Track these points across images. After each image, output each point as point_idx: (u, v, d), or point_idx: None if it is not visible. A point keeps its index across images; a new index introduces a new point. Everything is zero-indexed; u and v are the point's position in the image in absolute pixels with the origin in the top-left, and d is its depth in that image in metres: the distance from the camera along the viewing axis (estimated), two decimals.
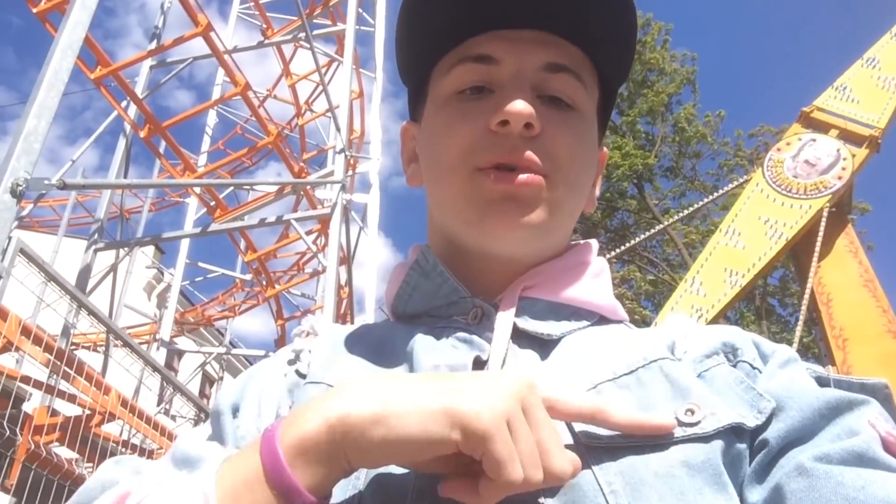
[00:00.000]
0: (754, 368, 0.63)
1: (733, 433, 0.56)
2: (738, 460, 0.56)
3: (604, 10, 0.68)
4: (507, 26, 0.69)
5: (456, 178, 0.68)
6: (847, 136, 6.09)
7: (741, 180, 6.72)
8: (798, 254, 6.35)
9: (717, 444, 0.55)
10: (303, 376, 0.69)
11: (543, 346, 0.65)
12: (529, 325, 0.66)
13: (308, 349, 0.73)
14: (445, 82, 0.71)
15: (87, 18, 4.32)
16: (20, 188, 3.53)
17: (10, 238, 3.44)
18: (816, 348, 7.24)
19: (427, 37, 0.71)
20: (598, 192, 0.80)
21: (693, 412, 0.56)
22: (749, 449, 0.57)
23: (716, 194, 6.77)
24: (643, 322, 16.99)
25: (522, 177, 0.65)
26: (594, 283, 0.73)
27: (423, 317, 0.71)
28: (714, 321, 6.07)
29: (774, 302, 18.00)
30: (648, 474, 0.53)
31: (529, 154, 0.65)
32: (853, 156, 5.96)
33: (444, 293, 0.70)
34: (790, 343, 16.57)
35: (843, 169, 5.96)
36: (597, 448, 0.54)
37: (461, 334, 0.65)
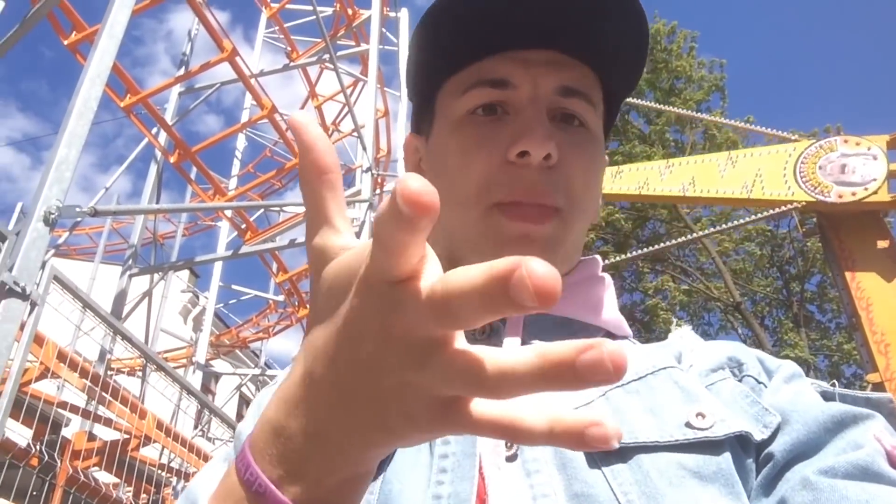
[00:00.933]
0: (759, 383, 0.63)
1: (740, 445, 0.56)
2: (745, 473, 0.56)
3: (617, 29, 0.67)
4: (520, 46, 0.68)
5: (472, 213, 0.67)
6: None
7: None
8: (832, 258, 6.28)
9: (728, 454, 0.55)
10: None
11: None
12: (538, 340, 0.65)
13: None
14: (459, 103, 0.70)
15: (114, 47, 4.39)
16: (52, 216, 3.57)
17: (44, 266, 3.49)
18: (858, 354, 7.11)
19: (440, 54, 0.71)
20: (600, 201, 0.79)
21: (704, 416, 0.56)
22: (755, 463, 0.57)
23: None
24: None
25: (539, 214, 0.65)
26: (600, 298, 0.73)
27: None
28: (640, 199, 7.06)
29: (813, 308, 17.66)
30: (663, 483, 0.52)
31: (548, 190, 0.65)
32: (875, 193, 5.85)
33: None
34: (832, 350, 16.27)
35: (853, 194, 5.89)
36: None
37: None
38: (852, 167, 6.05)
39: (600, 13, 0.66)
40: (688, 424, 0.56)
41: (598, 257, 0.77)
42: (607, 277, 0.75)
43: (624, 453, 0.54)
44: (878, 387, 5.34)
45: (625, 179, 6.77)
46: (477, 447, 0.55)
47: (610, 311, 0.73)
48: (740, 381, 0.63)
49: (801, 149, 6.29)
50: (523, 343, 0.64)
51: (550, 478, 0.53)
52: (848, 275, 5.93)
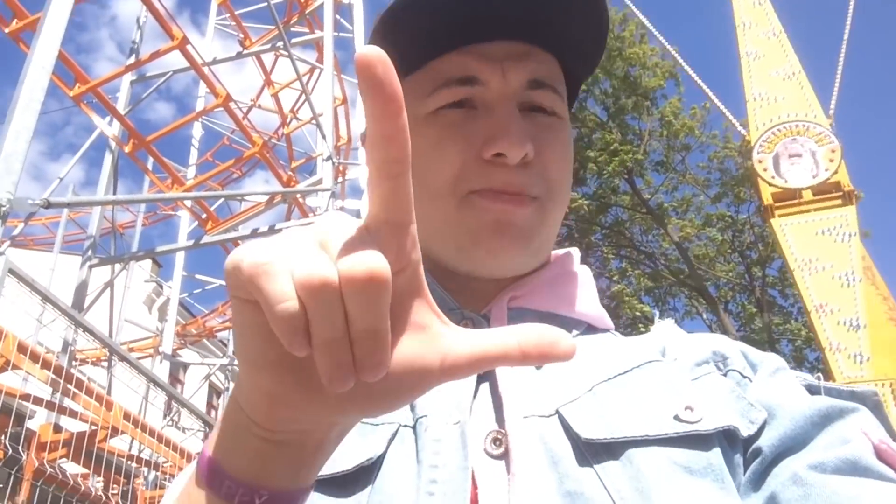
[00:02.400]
0: (744, 377, 0.63)
1: (727, 440, 0.56)
2: (733, 468, 0.56)
3: (578, 18, 0.67)
4: (482, 40, 0.67)
5: (446, 204, 0.66)
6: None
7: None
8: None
9: (718, 450, 0.55)
10: None
11: None
12: None
13: None
14: (427, 103, 0.68)
15: (59, 35, 4.34)
16: (4, 209, 3.55)
17: None
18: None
19: (400, 53, 0.67)
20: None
21: (692, 410, 0.56)
22: (743, 458, 0.57)
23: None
24: (644, 318, 16.94)
25: (518, 200, 0.65)
26: (580, 292, 0.72)
27: None
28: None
29: (775, 293, 17.86)
30: (655, 479, 0.52)
31: (525, 182, 0.65)
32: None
33: None
34: (795, 334, 16.42)
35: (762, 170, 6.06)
36: (595, 445, 0.54)
37: None
38: (798, 164, 6.30)
39: (561, 5, 0.65)
40: (676, 417, 0.55)
41: (576, 250, 0.77)
42: (587, 270, 0.75)
43: (614, 449, 0.54)
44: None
45: (752, 13, 7.13)
46: (468, 446, 0.54)
47: (591, 304, 0.72)
48: (725, 375, 0.63)
49: (819, 121, 6.46)
50: None
51: (541, 476, 0.53)
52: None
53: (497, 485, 0.52)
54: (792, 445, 0.55)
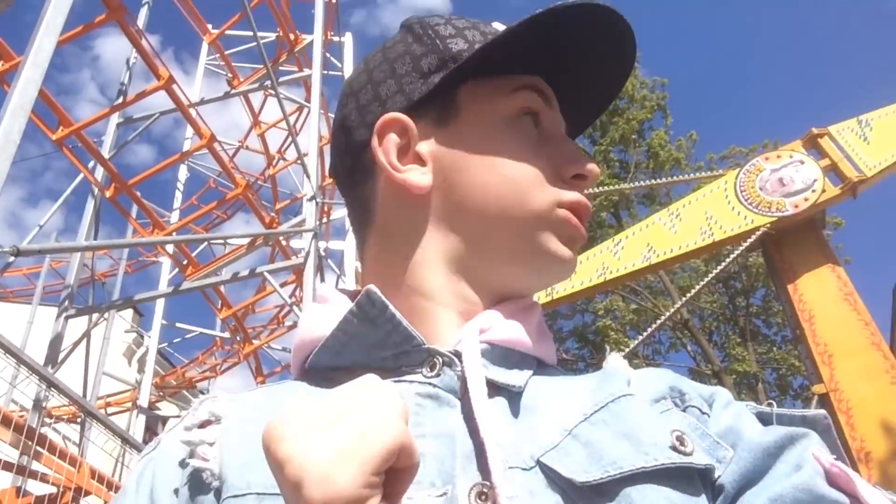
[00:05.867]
0: (703, 413, 0.62)
1: (701, 479, 0.56)
2: None
3: (610, 94, 0.78)
4: (544, 75, 0.73)
5: (536, 203, 0.68)
6: (835, 171, 6.09)
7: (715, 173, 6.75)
8: (774, 272, 6.41)
9: (702, 491, 0.55)
10: (207, 487, 0.57)
11: (510, 396, 0.61)
12: (495, 375, 0.61)
13: (208, 441, 0.59)
14: (508, 101, 0.71)
15: (40, 77, 4.15)
16: None
17: None
18: (804, 366, 7.25)
19: (496, 53, 0.68)
20: None
21: (683, 442, 0.56)
22: (709, 497, 0.56)
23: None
24: (633, 354, 16.85)
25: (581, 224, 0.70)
26: (537, 325, 0.70)
27: (357, 370, 0.54)
28: (607, 286, 6.85)
29: (759, 322, 18.00)
30: None
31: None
32: (823, 191, 5.93)
33: (394, 342, 0.63)
34: (779, 363, 16.51)
35: (805, 200, 5.99)
36: (587, 490, 0.52)
37: (423, 389, 0.60)
38: (789, 177, 6.20)
39: (622, 59, 0.74)
40: (672, 448, 0.55)
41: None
42: (537, 304, 0.73)
43: (609, 490, 0.52)
44: (824, 397, 5.43)
45: (583, 272, 6.63)
46: (456, 486, 0.52)
47: (544, 338, 0.70)
48: (684, 410, 0.62)
49: (732, 179, 6.45)
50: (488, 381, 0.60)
51: None
52: (790, 287, 6.02)
53: None
54: (752, 478, 0.55)
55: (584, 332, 17.86)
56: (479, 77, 0.71)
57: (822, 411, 0.62)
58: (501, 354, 0.63)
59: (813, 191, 5.95)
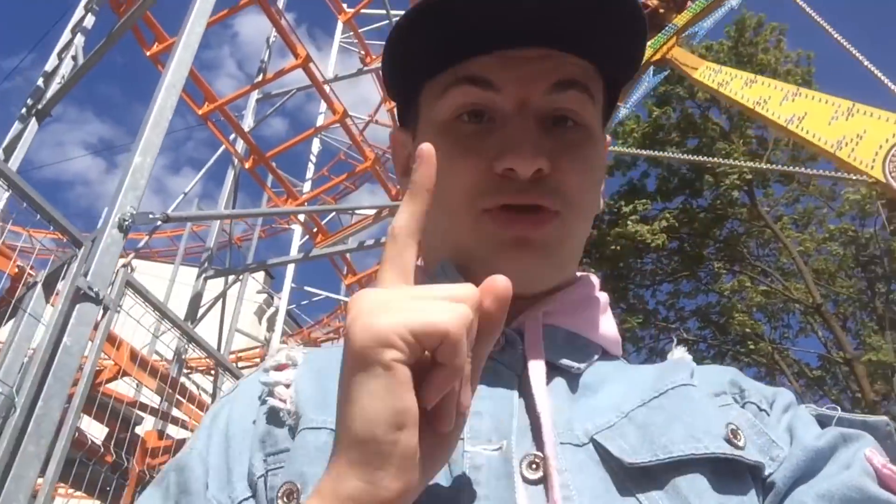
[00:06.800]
0: (762, 410, 0.62)
1: (752, 474, 0.56)
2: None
3: (611, 22, 0.64)
4: (509, 45, 0.64)
5: (463, 220, 0.64)
6: None
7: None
8: None
9: (751, 485, 0.55)
10: (282, 422, 0.60)
11: (570, 377, 0.62)
12: (556, 356, 0.63)
13: (285, 383, 0.63)
14: (441, 105, 0.67)
15: (190, 58, 4.50)
16: (126, 223, 3.68)
17: (117, 271, 3.60)
18: None
19: (420, 56, 0.67)
20: (602, 187, 0.75)
21: (737, 436, 0.56)
22: (760, 494, 0.56)
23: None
24: (755, 335, 16.20)
25: (536, 218, 0.63)
26: (603, 316, 0.71)
27: None
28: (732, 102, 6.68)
29: None
30: None
31: (539, 195, 0.63)
32: None
33: None
34: None
35: None
36: (635, 470, 0.53)
37: (486, 365, 0.61)
38: None
39: (592, 9, 0.62)
40: (726, 439, 0.55)
41: (594, 276, 0.75)
42: (605, 296, 0.73)
43: (658, 475, 0.53)
44: None
45: (753, 90, 6.63)
46: (513, 475, 0.52)
47: (609, 329, 0.71)
48: (743, 406, 0.62)
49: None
50: (548, 363, 0.62)
51: None
52: None
53: None
54: (802, 476, 0.55)
55: (707, 312, 17.32)
56: (432, 76, 0.68)
57: (885, 418, 0.62)
58: (564, 337, 0.65)
59: None
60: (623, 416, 0.57)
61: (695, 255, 16.59)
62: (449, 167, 0.63)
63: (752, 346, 16.01)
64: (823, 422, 0.62)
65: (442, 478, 0.52)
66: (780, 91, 6.58)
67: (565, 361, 0.63)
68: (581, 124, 0.67)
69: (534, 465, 0.52)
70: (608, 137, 0.76)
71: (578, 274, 0.74)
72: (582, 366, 0.63)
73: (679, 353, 0.71)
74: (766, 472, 0.56)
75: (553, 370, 0.61)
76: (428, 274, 0.69)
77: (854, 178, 5.97)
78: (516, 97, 0.64)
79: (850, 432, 0.57)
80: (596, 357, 0.66)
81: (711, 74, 6.69)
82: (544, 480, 0.51)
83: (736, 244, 17.29)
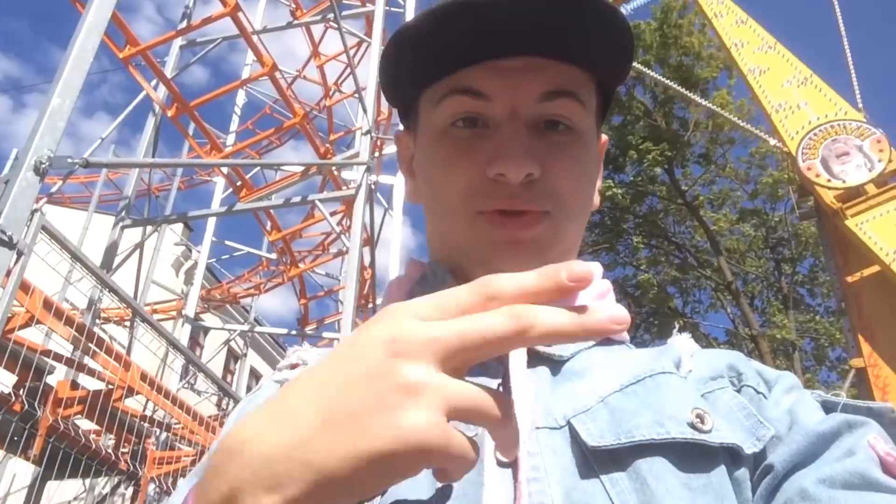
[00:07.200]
0: (759, 393, 0.63)
1: (730, 457, 0.57)
2: (738, 486, 0.56)
3: (598, 31, 0.66)
4: (498, 55, 0.67)
5: (459, 222, 0.68)
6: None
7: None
8: (826, 243, 6.36)
9: (722, 467, 0.55)
10: None
11: (553, 364, 0.65)
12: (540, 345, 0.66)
13: None
14: (437, 113, 0.70)
15: None
16: (43, 166, 3.57)
17: (32, 215, 3.49)
18: (844, 339, 7.21)
19: (416, 69, 0.70)
20: (600, 184, 0.79)
21: (703, 420, 0.56)
22: (751, 475, 0.57)
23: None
24: (668, 309, 16.85)
25: (526, 220, 0.66)
26: (602, 303, 0.72)
27: None
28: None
29: (803, 291, 17.79)
30: (660, 490, 0.52)
31: (531, 198, 0.66)
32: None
33: None
34: (819, 333, 16.37)
35: (817, 176, 5.95)
36: (600, 453, 0.54)
37: None
38: (849, 161, 6.06)
39: (577, 18, 0.65)
40: (690, 424, 0.56)
41: (598, 264, 0.77)
42: (607, 283, 0.76)
43: (620, 457, 0.54)
44: (861, 371, 5.47)
45: (738, 31, 7.00)
46: (484, 461, 0.53)
47: None
48: (739, 391, 0.63)
49: (850, 117, 6.28)
50: (531, 351, 0.64)
51: (548, 486, 0.52)
52: (839, 259, 6.00)
53: (503, 492, 0.52)
54: (803, 461, 0.55)
55: (623, 284, 17.88)
56: (431, 83, 0.71)
57: (890, 404, 0.62)
58: None
59: (829, 181, 5.91)
60: (600, 402, 0.59)
61: (615, 228, 17.04)
62: (445, 171, 0.69)
63: (664, 319, 16.67)
64: (829, 408, 0.62)
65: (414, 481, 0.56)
66: (759, 39, 6.86)
67: (548, 350, 0.65)
68: (573, 129, 0.69)
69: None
70: (604, 137, 0.80)
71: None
72: (566, 353, 0.65)
73: (679, 338, 0.72)
74: (750, 452, 0.57)
75: (537, 358, 0.64)
76: (414, 281, 0.73)
77: (774, 143, 6.26)
78: (507, 105, 0.67)
79: (855, 419, 0.57)
80: (591, 344, 0.68)
81: (713, 2, 6.99)
82: (514, 463, 0.53)
83: (655, 220, 17.87)
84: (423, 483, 0.53)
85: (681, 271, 17.55)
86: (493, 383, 0.59)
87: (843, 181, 5.94)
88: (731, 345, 17.30)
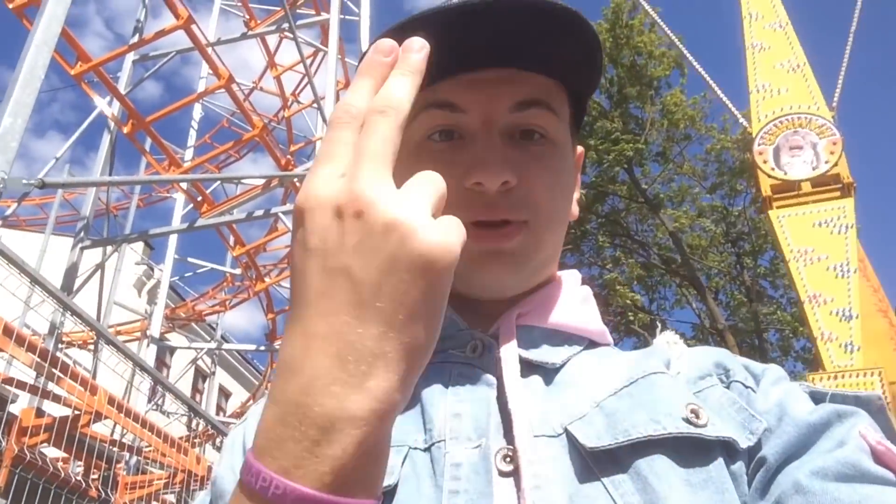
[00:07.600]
0: (747, 388, 0.64)
1: (726, 452, 0.57)
2: (736, 479, 0.56)
3: (565, 39, 0.67)
4: (470, 67, 0.67)
5: None
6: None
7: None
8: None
9: (719, 461, 0.56)
10: None
11: (546, 373, 0.65)
12: (532, 354, 0.66)
13: None
14: (413, 127, 0.69)
15: (63, 13, 4.25)
16: None
17: None
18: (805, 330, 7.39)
19: None
20: (577, 194, 0.79)
21: (698, 415, 0.57)
22: (746, 469, 0.57)
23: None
24: (634, 306, 17.01)
25: (504, 232, 0.66)
26: (583, 308, 0.74)
27: None
28: None
29: (765, 283, 18.11)
30: (662, 487, 0.53)
31: (509, 207, 0.66)
32: (768, 176, 6.23)
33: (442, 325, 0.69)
34: (784, 324, 16.71)
35: (764, 162, 6.22)
36: (600, 455, 0.55)
37: (464, 370, 0.64)
38: (798, 156, 6.24)
39: (545, 30, 0.65)
40: (685, 419, 0.57)
41: (576, 272, 0.79)
42: (588, 289, 0.77)
43: (620, 458, 0.55)
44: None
45: (757, 4, 7.29)
46: (491, 471, 0.54)
47: (594, 321, 0.74)
48: (728, 387, 0.64)
49: (822, 113, 6.44)
50: (524, 361, 0.65)
51: (551, 493, 0.53)
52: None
53: (508, 502, 0.53)
54: (795, 452, 0.56)
55: (589, 284, 18.00)
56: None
57: (878, 392, 0.63)
58: (539, 336, 0.68)
59: (772, 169, 6.20)
60: (595, 407, 0.59)
61: (578, 229, 17.19)
62: None
63: (631, 317, 16.81)
64: (817, 399, 0.63)
65: (424, 476, 0.56)
66: (774, 15, 7.07)
67: (540, 358, 0.65)
68: (547, 137, 0.70)
69: (507, 459, 0.55)
70: (580, 148, 0.80)
71: (563, 272, 0.77)
72: (558, 361, 0.66)
73: (663, 339, 0.74)
74: (745, 446, 0.57)
75: (530, 368, 0.65)
76: None
77: (742, 120, 6.41)
78: (482, 116, 0.68)
79: (845, 409, 0.58)
80: (579, 350, 0.69)
81: None
82: (516, 472, 0.54)
83: (617, 219, 18.05)
84: (429, 495, 0.55)
85: (645, 269, 17.73)
86: (489, 396, 0.61)
87: (785, 173, 6.10)
88: (699, 339, 17.53)
